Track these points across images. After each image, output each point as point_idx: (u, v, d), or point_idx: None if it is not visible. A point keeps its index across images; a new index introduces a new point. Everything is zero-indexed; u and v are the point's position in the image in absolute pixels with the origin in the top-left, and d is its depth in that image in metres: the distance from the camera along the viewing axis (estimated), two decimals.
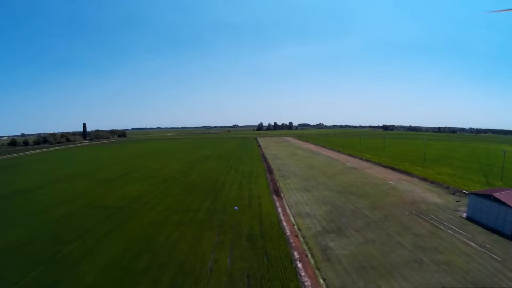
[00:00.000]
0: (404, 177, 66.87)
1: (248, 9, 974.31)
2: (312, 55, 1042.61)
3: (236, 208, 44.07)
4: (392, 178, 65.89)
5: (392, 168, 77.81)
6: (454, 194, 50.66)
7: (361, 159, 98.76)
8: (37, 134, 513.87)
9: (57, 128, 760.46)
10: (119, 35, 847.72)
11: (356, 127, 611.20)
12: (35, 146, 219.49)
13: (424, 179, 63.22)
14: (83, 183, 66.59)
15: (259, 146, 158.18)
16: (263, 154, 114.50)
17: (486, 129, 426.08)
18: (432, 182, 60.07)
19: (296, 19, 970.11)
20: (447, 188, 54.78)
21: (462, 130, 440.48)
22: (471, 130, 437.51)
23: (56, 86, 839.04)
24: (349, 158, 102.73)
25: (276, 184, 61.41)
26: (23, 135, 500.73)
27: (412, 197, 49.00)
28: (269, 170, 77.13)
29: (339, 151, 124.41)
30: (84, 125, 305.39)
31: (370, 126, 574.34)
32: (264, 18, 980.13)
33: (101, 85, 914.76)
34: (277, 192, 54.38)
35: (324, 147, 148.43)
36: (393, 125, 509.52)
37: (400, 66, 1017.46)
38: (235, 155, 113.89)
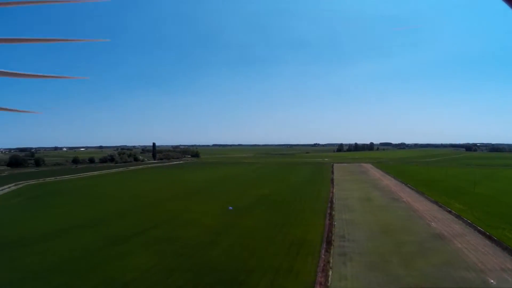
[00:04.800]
0: None
1: (324, 25, 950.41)
2: (389, 70, 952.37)
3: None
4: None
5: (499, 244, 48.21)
6: None
7: (450, 212, 70.61)
8: (115, 146, 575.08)
9: (136, 141, 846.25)
10: (197, 53, 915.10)
11: (437, 146, 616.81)
12: (99, 165, 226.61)
13: None
14: (70, 246, 51.85)
15: (332, 180, 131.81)
16: (331, 199, 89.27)
17: None
18: None
19: (369, 33, 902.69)
20: None
21: None
22: None
23: (135, 102, 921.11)
24: (434, 209, 75.17)
25: (327, 275, 38.27)
26: (100, 147, 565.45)
27: None
28: (328, 241, 51.34)
29: (422, 193, 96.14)
30: (154, 144, 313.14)
31: (451, 145, 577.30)
32: (339, 34, 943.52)
33: (186, 101, 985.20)
34: None
35: (405, 184, 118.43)
36: (475, 144, 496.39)
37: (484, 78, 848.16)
38: (297, 197, 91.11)
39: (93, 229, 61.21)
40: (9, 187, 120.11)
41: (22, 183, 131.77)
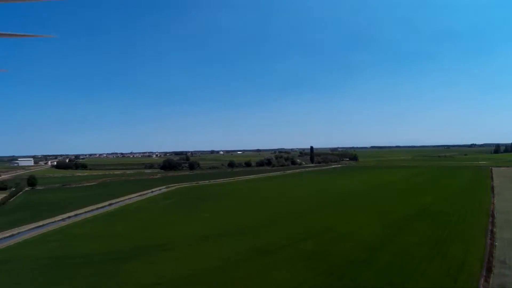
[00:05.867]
0: None
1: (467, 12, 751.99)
2: None
3: None
4: None
5: None
6: None
7: None
8: (273, 149, 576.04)
9: (294, 144, 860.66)
10: (348, 55, 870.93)
11: None
12: (255, 168, 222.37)
13: None
14: (212, 254, 46.32)
15: (492, 188, 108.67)
16: (492, 212, 74.51)
17: None
18: None
19: None
20: None
21: None
22: None
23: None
24: None
25: None
26: (258, 150, 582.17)
27: None
28: (488, 267, 39.84)
29: None
30: (311, 148, 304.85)
31: None
32: (481, 21, 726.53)
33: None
34: None
35: None
36: None
37: None
38: (457, 208, 76.81)
39: (239, 237, 56.72)
40: (160, 190, 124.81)
41: (174, 186, 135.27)
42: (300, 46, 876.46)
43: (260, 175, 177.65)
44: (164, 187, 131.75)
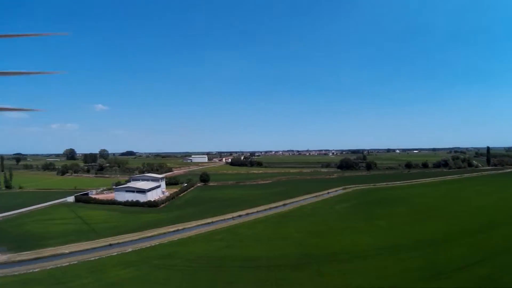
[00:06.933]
0: None
1: None
2: None
3: None
4: None
5: None
6: None
7: None
8: (448, 148, 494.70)
9: (469, 143, 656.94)
10: None
11: None
12: (432, 170, 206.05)
13: None
14: (381, 272, 42.23)
15: None
16: None
17: None
18: None
19: None
20: None
21: None
22: None
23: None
24: None
25: None
26: (433, 149, 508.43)
27: None
28: None
29: None
30: (488, 148, 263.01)
31: None
32: None
33: None
34: None
35: None
36: None
37: None
38: None
39: (416, 252, 50.64)
40: (336, 191, 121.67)
41: (351, 187, 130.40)
42: None
43: (437, 178, 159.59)
44: (340, 188, 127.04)
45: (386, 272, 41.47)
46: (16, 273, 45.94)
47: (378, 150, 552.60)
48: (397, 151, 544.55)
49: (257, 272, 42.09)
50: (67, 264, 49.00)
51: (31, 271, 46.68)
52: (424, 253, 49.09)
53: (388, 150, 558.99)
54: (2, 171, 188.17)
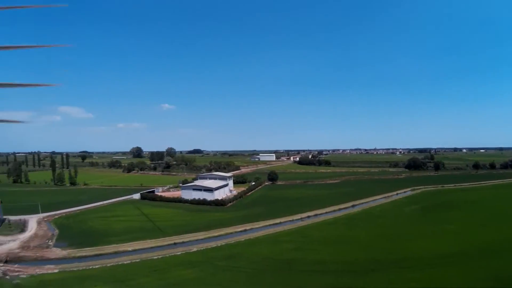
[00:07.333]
0: None
1: None
2: None
3: None
4: None
5: None
6: None
7: None
8: None
9: None
10: None
11: None
12: (500, 171, 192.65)
13: None
14: (441, 283, 41.50)
15: None
16: None
17: None
18: None
19: None
20: None
21: None
22: None
23: None
24: None
25: None
26: (500, 149, 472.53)
27: None
28: None
29: None
30: None
31: None
32: None
33: None
34: None
35: None
36: None
37: None
38: None
39: (481, 261, 48.58)
40: (405, 192, 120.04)
41: (419, 188, 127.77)
42: None
43: (506, 180, 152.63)
44: (409, 189, 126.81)
45: (453, 281, 40.21)
46: (74, 269, 46.16)
47: (444, 149, 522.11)
48: (464, 150, 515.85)
49: (324, 277, 41.12)
50: (129, 262, 48.97)
51: (91, 267, 46.87)
52: (493, 261, 47.31)
53: (455, 149, 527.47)
54: (68, 168, 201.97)
